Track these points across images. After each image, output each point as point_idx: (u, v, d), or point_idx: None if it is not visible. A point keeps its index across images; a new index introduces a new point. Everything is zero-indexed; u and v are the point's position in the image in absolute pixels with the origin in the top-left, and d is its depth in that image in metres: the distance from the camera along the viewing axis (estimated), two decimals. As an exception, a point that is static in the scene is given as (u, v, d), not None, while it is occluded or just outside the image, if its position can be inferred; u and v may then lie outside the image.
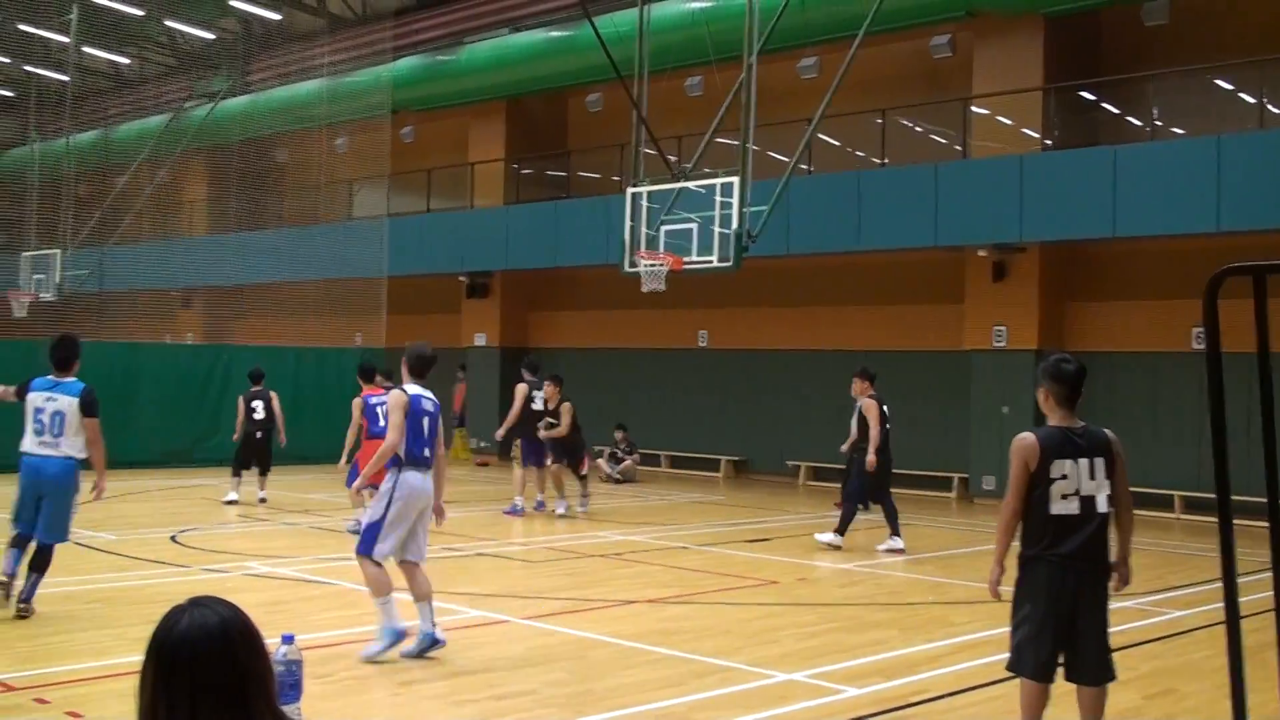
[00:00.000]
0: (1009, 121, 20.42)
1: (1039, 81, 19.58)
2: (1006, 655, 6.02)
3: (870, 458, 13.62)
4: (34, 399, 9.22)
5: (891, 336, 21.62)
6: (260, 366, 18.33)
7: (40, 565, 9.28)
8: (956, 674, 8.01)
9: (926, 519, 17.50)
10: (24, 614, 9.06)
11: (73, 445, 9.22)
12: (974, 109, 20.70)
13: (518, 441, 16.77)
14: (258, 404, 17.45)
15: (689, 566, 12.58)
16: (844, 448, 14.30)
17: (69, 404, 9.19)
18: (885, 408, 13.95)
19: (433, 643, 8.15)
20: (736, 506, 18.76)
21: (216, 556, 12.43)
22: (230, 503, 16.95)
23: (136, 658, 2.42)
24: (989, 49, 20.18)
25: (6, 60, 36.28)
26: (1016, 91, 19.73)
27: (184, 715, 2.33)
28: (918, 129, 22.34)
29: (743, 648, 8.69)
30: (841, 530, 13.84)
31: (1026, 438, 5.82)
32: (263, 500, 17.04)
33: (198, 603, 2.43)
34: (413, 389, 8.40)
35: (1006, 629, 6.04)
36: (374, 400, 13.86)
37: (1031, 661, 5.83)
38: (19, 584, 9.17)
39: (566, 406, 16.38)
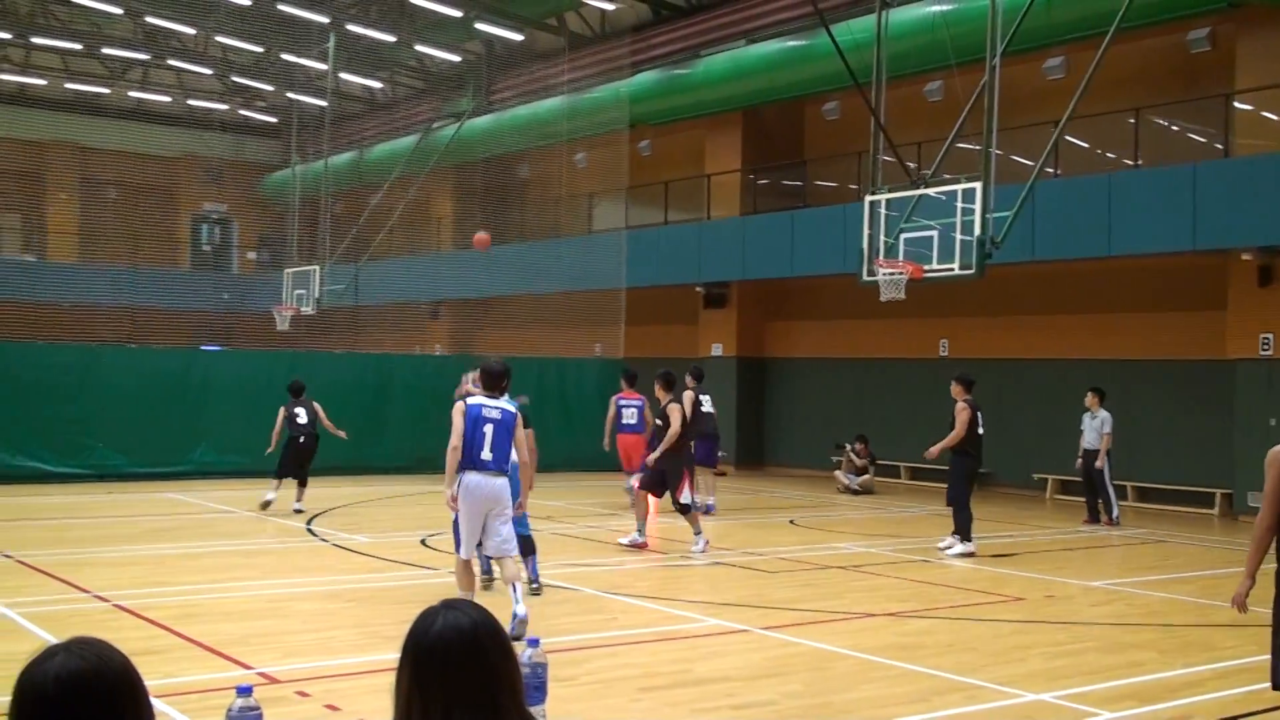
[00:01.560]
0: (1276, 117, 19.26)
1: (1309, 73, 18.41)
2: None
3: (932, 449, 14.32)
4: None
5: (1145, 345, 20.66)
6: (301, 379, 17.60)
7: (524, 550, 10.45)
8: (1220, 701, 7.57)
9: (1186, 536, 16.63)
10: (536, 592, 10.65)
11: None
12: (1237, 105, 19.61)
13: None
14: (300, 410, 16.81)
15: (930, 580, 12.29)
16: (933, 451, 14.62)
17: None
18: (980, 414, 14.42)
19: (519, 621, 8.66)
20: (979, 520, 18.14)
21: (463, 560, 12.80)
22: (268, 503, 16.44)
23: (390, 655, 2.49)
24: (1253, 40, 19.07)
25: (271, 88, 38.53)
26: (1284, 85, 18.59)
27: (438, 713, 2.39)
28: (1174, 128, 21.30)
29: (987, 665, 8.42)
30: (967, 536, 14.08)
31: None
32: (300, 511, 16.40)
33: (450, 605, 2.49)
34: (475, 399, 9.23)
35: (1278, 654, 5.67)
36: (623, 402, 17.60)
37: None
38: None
39: (675, 407, 14.29)
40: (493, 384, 9.28)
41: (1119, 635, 9.83)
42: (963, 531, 14.16)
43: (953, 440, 14.21)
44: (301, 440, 16.81)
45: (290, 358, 23.61)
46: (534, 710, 3.12)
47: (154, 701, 6.18)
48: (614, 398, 17.87)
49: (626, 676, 7.91)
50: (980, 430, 14.44)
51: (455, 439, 8.97)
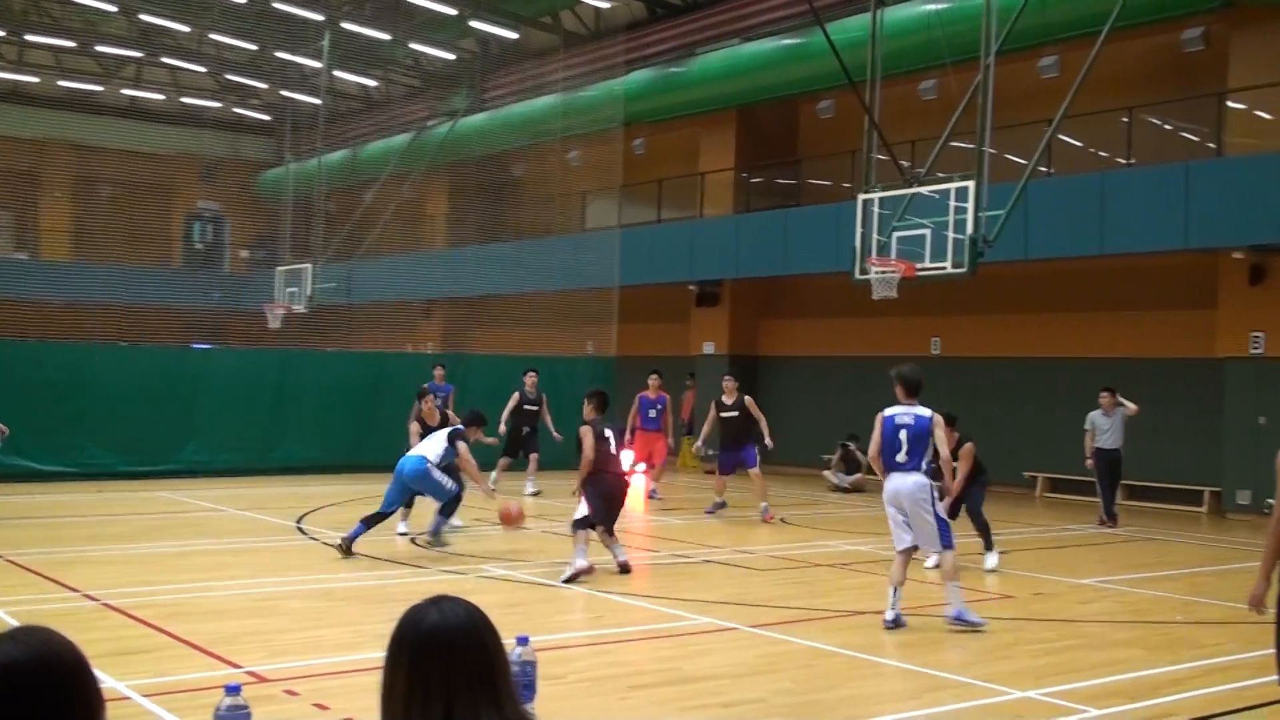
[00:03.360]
0: (1269, 116, 19.31)
1: (1302, 72, 18.44)
2: (1263, 679, 5.71)
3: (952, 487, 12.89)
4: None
5: (1136, 343, 20.70)
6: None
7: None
8: (1206, 698, 7.58)
9: (1175, 534, 16.66)
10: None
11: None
12: (1230, 104, 19.65)
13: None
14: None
15: (919, 578, 12.28)
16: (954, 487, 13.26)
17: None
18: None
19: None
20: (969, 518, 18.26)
21: (454, 559, 12.82)
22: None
23: (379, 654, 2.47)
24: (1247, 39, 19.11)
25: (265, 86, 38.49)
26: (1278, 84, 18.61)
27: (439, 705, 2.37)
28: (1167, 126, 21.34)
29: (976, 662, 8.44)
30: (991, 545, 13.34)
31: None
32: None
33: (440, 600, 2.48)
34: (890, 410, 9.87)
35: (1262, 652, 5.71)
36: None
37: None
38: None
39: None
40: (912, 391, 9.94)
41: (1106, 633, 9.85)
42: (986, 541, 13.67)
43: (959, 484, 13.07)
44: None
45: (282, 356, 23.61)
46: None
47: (142, 701, 6.17)
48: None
49: (615, 675, 7.91)
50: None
51: (874, 449, 9.94)
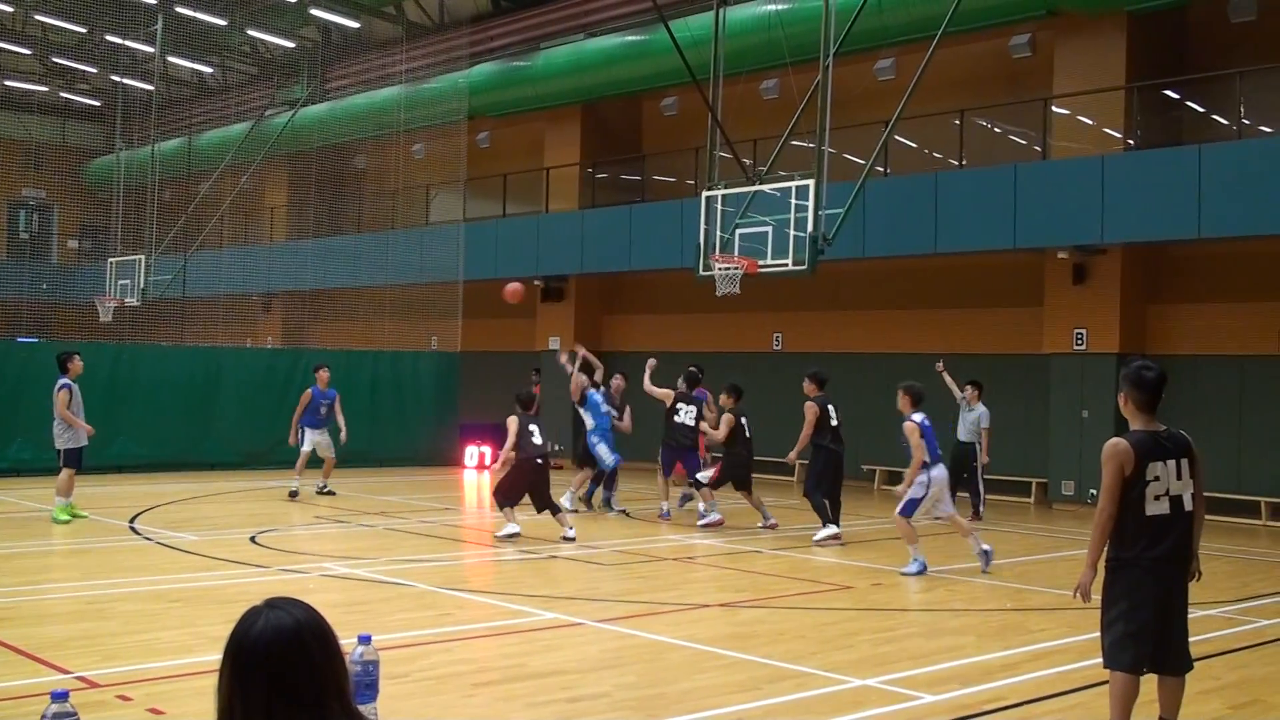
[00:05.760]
0: (1090, 121, 20.11)
1: (1121, 80, 19.25)
2: (1087, 662, 5.97)
3: (791, 454, 14.82)
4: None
5: (968, 340, 21.38)
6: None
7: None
8: (1034, 681, 7.88)
9: (1004, 524, 17.26)
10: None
11: None
12: (1054, 109, 20.41)
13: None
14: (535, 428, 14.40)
15: (762, 571, 12.53)
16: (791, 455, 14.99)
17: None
18: (831, 407, 15.00)
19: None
20: (810, 511, 18.61)
21: (295, 557, 12.59)
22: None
23: (217, 656, 2.45)
24: (1070, 47, 19.88)
25: (94, 70, 37.12)
26: (1099, 91, 19.42)
27: (259, 714, 2.36)
28: (996, 130, 22.08)
29: (817, 653, 8.62)
30: (834, 520, 14.69)
31: (1120, 443, 5.96)
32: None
33: (274, 604, 2.46)
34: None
35: (1086, 636, 5.99)
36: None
37: (1130, 656, 5.95)
38: None
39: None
40: (917, 401, 12.92)
41: (942, 621, 10.16)
42: (820, 517, 14.59)
43: (803, 441, 14.65)
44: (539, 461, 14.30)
45: (114, 350, 22.83)
46: (365, 708, 3.09)
47: (-39, 710, 5.79)
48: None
49: (460, 672, 7.87)
50: (834, 422, 14.76)
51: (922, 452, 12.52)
